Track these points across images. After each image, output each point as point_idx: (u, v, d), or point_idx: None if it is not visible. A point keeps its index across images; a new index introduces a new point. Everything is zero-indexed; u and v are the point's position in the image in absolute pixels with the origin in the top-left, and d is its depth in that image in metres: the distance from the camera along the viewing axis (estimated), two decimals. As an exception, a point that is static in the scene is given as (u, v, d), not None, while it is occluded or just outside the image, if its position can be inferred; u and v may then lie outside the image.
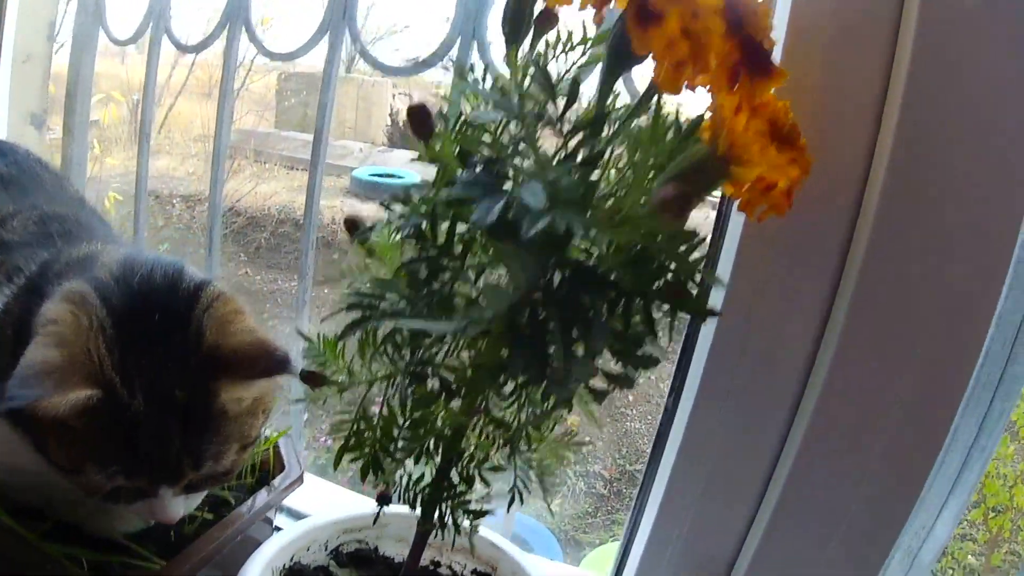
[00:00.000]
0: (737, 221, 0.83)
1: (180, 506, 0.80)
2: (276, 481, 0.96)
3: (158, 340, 0.76)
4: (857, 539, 0.88)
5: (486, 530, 0.90)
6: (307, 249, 1.36)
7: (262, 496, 0.94)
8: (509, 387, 0.63)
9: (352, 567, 0.92)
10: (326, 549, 0.92)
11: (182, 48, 1.58)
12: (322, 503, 1.15)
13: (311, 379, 0.67)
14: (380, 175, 6.02)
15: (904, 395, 0.80)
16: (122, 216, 4.92)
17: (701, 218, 0.77)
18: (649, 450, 1.02)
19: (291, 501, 1.09)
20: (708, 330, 0.87)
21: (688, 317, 0.86)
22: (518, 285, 0.51)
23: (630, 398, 4.22)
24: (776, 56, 0.74)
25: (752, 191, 0.50)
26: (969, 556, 3.29)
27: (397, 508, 0.90)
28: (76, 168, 1.75)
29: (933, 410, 0.81)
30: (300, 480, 0.98)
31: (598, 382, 0.60)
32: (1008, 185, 0.73)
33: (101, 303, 0.75)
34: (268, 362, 0.77)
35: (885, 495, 0.85)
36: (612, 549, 1.22)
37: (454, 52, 1.19)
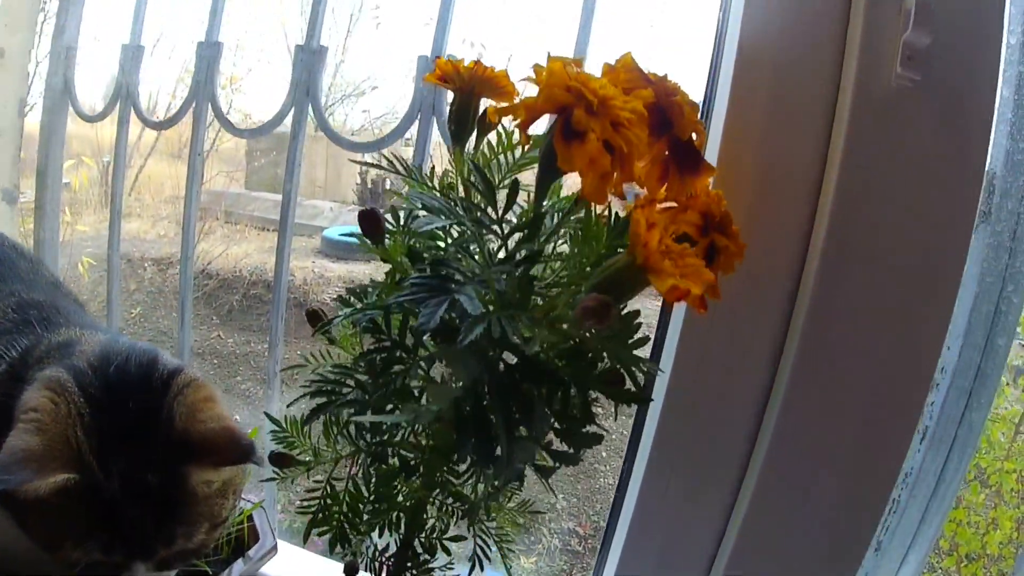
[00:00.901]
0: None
1: None
2: (251, 552, 1.00)
3: (132, 426, 0.79)
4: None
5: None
6: (277, 324, 1.40)
7: (238, 566, 0.97)
8: (464, 465, 0.67)
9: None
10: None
11: (150, 125, 1.63)
12: (295, 570, 1.17)
13: (279, 461, 0.72)
14: (351, 234, 5.98)
15: (852, 441, 0.85)
16: (93, 281, 4.91)
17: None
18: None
19: (266, 568, 1.12)
20: (656, 407, 0.90)
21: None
22: (462, 381, 0.55)
23: (603, 454, 4.22)
24: (714, 144, 0.80)
25: (670, 297, 0.53)
26: None
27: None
28: (48, 248, 1.78)
29: (878, 463, 0.86)
30: (274, 550, 1.02)
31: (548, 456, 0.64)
32: (941, 256, 0.79)
33: (79, 391, 0.79)
34: (235, 451, 0.80)
35: (837, 543, 0.89)
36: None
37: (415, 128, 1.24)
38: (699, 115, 0.62)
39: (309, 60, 1.32)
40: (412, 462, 0.67)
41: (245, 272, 5.72)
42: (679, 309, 0.87)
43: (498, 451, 0.55)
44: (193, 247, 1.58)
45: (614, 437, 4.24)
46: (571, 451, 0.62)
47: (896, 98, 0.76)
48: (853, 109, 0.77)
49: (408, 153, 0.66)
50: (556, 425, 0.60)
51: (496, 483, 0.65)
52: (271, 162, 7.22)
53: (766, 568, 0.90)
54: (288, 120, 1.39)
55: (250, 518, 1.05)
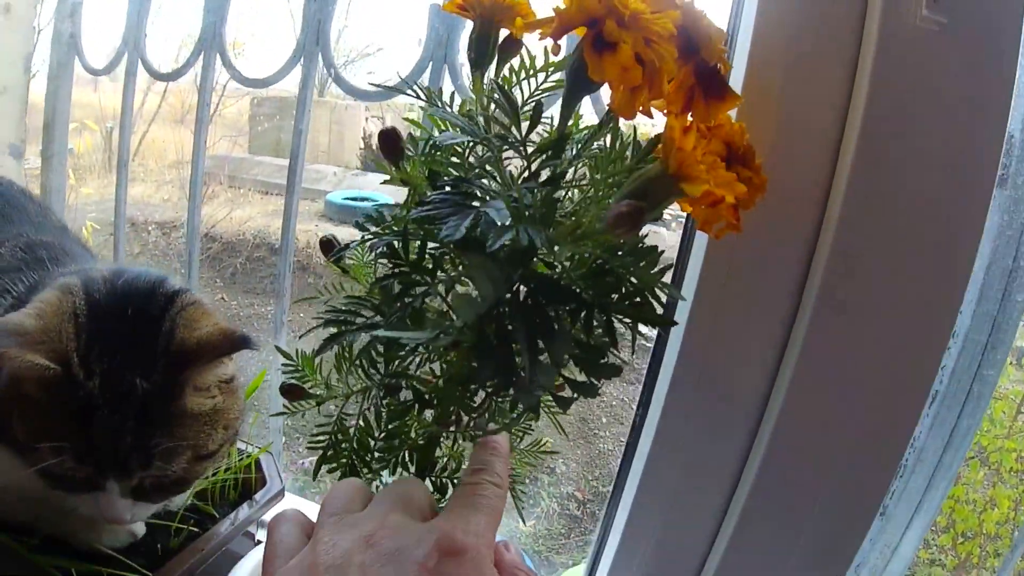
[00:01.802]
0: (701, 242, 0.85)
1: (127, 509, 0.82)
2: (258, 496, 0.99)
3: (129, 335, 0.79)
4: (818, 553, 0.90)
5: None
6: (284, 271, 1.39)
7: (244, 510, 0.97)
8: (479, 397, 0.67)
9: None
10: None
11: (157, 76, 1.61)
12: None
13: (290, 392, 0.71)
14: (354, 198, 6.01)
15: (863, 411, 0.84)
16: (98, 245, 4.91)
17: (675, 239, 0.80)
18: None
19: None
20: (673, 348, 0.89)
21: (653, 332, 0.90)
22: (486, 295, 0.54)
23: (603, 420, 4.23)
24: (738, 81, 0.79)
25: (701, 206, 0.53)
26: None
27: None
28: (55, 198, 1.78)
29: (892, 424, 0.84)
30: (281, 494, 1.01)
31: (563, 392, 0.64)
32: (966, 202, 0.77)
33: (84, 294, 0.80)
34: (229, 342, 0.81)
35: (845, 508, 0.88)
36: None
37: (427, 76, 1.22)
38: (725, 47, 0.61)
39: (319, 8, 1.31)
40: (426, 395, 0.66)
41: (248, 235, 5.74)
42: (696, 257, 0.86)
43: (520, 373, 0.54)
44: (199, 212, 1.58)
45: (613, 403, 4.26)
46: (589, 382, 0.61)
47: (921, 40, 0.75)
48: (877, 52, 0.75)
49: (415, 115, 0.65)
50: (576, 352, 0.60)
51: (514, 414, 0.64)
52: (274, 127, 7.22)
53: (775, 535, 0.89)
54: (292, 83, 1.38)
55: (257, 463, 1.05)
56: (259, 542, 0.99)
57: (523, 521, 0.75)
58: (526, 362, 0.53)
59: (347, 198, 5.99)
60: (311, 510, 1.01)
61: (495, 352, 0.55)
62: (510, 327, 0.55)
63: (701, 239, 0.86)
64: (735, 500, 0.91)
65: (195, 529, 0.92)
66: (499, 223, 0.50)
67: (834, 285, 0.80)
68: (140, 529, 0.92)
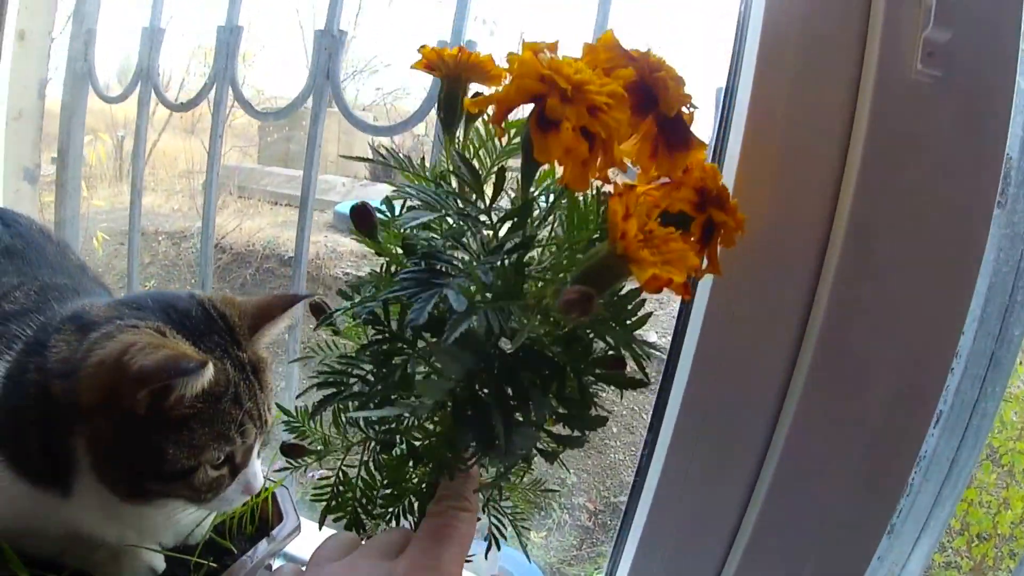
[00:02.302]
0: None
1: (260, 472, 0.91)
2: (275, 531, 1.02)
3: (205, 330, 0.86)
4: (829, 570, 0.93)
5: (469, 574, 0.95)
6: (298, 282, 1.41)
7: (263, 546, 1.00)
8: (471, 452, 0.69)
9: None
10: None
11: (171, 107, 1.65)
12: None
13: (292, 451, 0.74)
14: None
15: (871, 426, 0.86)
16: (108, 254, 4.93)
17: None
18: (632, 481, 1.07)
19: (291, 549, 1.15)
20: (685, 364, 0.92)
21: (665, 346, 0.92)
22: (451, 376, 0.56)
23: (613, 430, 4.23)
24: (738, 132, 0.81)
25: (649, 288, 0.52)
26: None
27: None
28: (69, 225, 1.80)
29: (899, 441, 0.88)
30: (298, 529, 1.04)
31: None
32: (960, 245, 0.81)
33: (146, 321, 0.83)
34: (286, 300, 0.92)
35: (855, 525, 0.91)
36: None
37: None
38: (688, 93, 0.62)
39: (330, 43, 1.33)
40: (419, 449, 0.69)
41: (258, 246, 5.74)
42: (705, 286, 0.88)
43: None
44: (212, 224, 1.61)
45: (624, 413, 4.27)
46: (575, 434, 0.63)
47: (916, 93, 0.78)
48: (873, 104, 0.78)
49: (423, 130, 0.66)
50: (559, 410, 0.62)
51: (502, 467, 0.66)
52: (283, 137, 7.23)
53: (791, 525, 0.92)
54: (305, 100, 1.41)
55: (273, 497, 1.07)
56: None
57: (528, 558, 0.76)
58: (500, 430, 0.56)
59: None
60: (324, 535, 1.03)
61: (472, 420, 0.58)
62: (486, 394, 0.58)
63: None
64: (747, 515, 0.94)
65: (214, 564, 0.95)
66: (457, 308, 0.52)
67: (840, 307, 0.82)
68: (160, 564, 0.95)
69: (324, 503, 0.74)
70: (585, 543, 3.68)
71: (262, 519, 1.06)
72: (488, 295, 0.57)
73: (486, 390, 0.58)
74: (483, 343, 0.58)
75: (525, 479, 0.80)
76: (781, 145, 0.81)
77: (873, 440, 0.87)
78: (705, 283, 0.88)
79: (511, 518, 0.79)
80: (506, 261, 0.58)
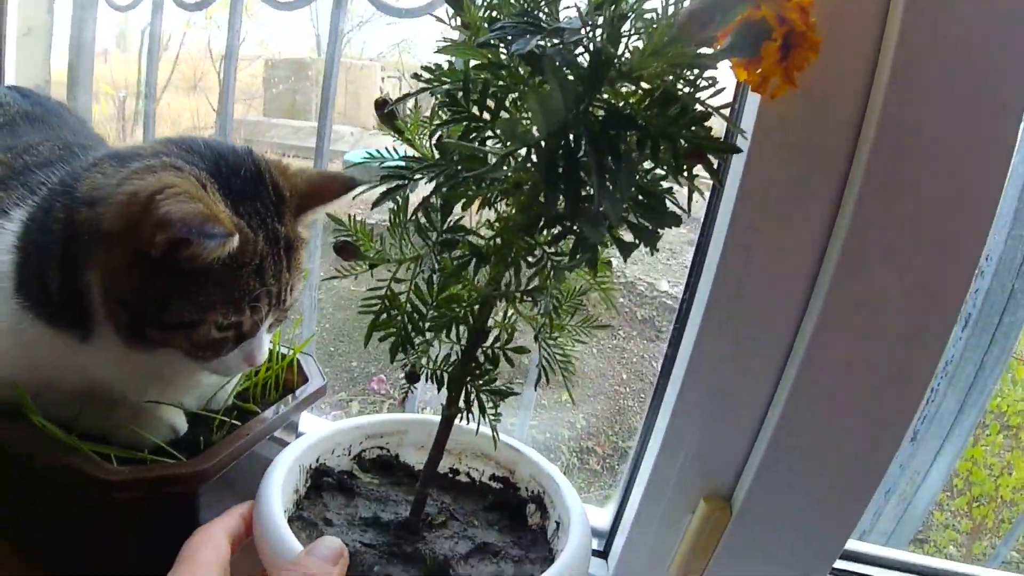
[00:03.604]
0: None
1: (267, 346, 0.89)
2: (299, 391, 1.00)
3: (251, 191, 0.82)
4: (851, 465, 0.90)
5: (505, 436, 0.93)
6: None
7: (288, 402, 0.97)
8: (535, 256, 0.66)
9: (374, 472, 0.95)
10: (350, 454, 0.95)
11: (185, 6, 1.62)
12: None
13: (344, 250, 0.70)
14: (372, 157, 5.91)
15: (898, 323, 0.83)
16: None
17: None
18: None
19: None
20: (716, 247, 0.89)
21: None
22: (556, 107, 0.52)
23: (624, 376, 4.23)
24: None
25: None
26: (950, 546, 3.29)
27: (416, 416, 0.93)
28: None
29: (928, 333, 0.83)
30: (323, 391, 1.01)
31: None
32: (995, 120, 0.75)
33: (193, 167, 0.80)
34: (343, 183, 0.89)
35: (879, 421, 0.88)
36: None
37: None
38: None
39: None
40: (484, 249, 0.65)
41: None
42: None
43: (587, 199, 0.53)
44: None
45: (634, 360, 4.25)
46: (650, 228, 0.60)
47: None
48: None
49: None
50: (637, 199, 0.59)
51: (573, 254, 0.62)
52: (289, 89, 7.18)
53: (818, 417, 0.89)
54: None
55: (298, 364, 1.04)
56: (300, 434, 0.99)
57: (573, 401, 0.74)
58: (595, 184, 0.52)
59: (365, 157, 5.94)
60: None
61: (564, 178, 0.54)
62: (579, 154, 0.54)
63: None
64: (775, 400, 0.91)
65: (236, 423, 0.91)
66: (572, 28, 0.50)
67: (879, 169, 0.78)
68: (182, 425, 0.91)
69: (372, 317, 0.71)
70: (593, 486, 3.67)
71: (287, 387, 1.04)
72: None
73: (580, 149, 0.55)
74: (587, 80, 0.54)
75: (575, 317, 0.77)
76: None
77: (898, 336, 0.83)
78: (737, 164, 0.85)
79: (560, 360, 0.76)
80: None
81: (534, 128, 0.54)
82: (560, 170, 0.54)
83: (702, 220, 0.95)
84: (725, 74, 0.59)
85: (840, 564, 1.09)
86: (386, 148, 0.68)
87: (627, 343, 4.36)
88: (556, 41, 0.52)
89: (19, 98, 1.10)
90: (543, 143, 0.54)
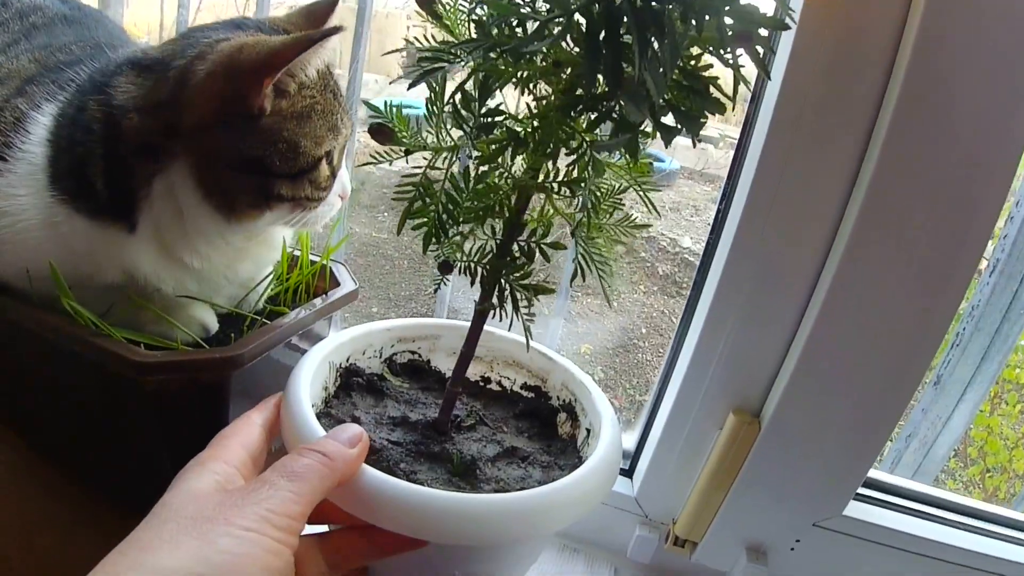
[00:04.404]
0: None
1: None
2: (331, 293, 1.00)
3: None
4: (876, 389, 0.91)
5: (538, 344, 0.93)
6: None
7: (319, 301, 0.97)
8: (575, 143, 0.65)
9: (405, 376, 0.95)
10: (380, 356, 0.95)
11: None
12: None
13: (380, 133, 0.69)
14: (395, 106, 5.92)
15: (924, 257, 0.83)
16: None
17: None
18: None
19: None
20: (756, 146, 0.88)
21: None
22: None
23: (643, 330, 4.23)
24: None
25: None
26: None
27: (449, 321, 0.93)
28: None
29: (952, 270, 0.83)
30: (355, 295, 1.01)
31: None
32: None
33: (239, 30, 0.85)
34: (325, 5, 0.93)
35: (903, 352, 0.88)
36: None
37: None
38: None
39: None
40: (521, 134, 0.65)
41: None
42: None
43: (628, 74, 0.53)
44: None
45: (654, 315, 4.25)
46: (694, 115, 0.59)
47: None
48: None
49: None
50: (680, 82, 0.58)
51: (615, 133, 0.61)
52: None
53: (833, 373, 0.90)
54: None
55: (330, 271, 1.04)
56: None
57: (609, 303, 0.74)
58: (636, 55, 0.51)
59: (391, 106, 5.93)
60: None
61: (606, 48, 0.53)
62: (621, 26, 0.53)
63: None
64: (807, 315, 0.91)
65: (267, 321, 0.91)
66: None
67: (900, 132, 0.79)
68: (213, 323, 0.92)
69: (405, 205, 0.70)
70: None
71: (317, 293, 1.03)
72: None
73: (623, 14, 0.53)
74: None
75: (613, 216, 0.76)
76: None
77: (917, 285, 0.84)
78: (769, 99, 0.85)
79: (597, 256, 0.75)
80: None
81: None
82: (602, 40, 0.53)
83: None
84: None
85: (864, 490, 1.09)
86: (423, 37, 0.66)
87: (648, 298, 4.36)
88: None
89: (58, 2, 1.10)
90: (585, 10, 0.53)
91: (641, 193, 0.74)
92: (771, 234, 0.88)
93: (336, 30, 0.77)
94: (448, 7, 0.68)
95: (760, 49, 0.56)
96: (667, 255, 4.47)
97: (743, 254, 0.91)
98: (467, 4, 0.65)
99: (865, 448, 0.94)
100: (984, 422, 2.95)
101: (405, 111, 0.69)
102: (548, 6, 0.54)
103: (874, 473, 1.11)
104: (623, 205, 0.75)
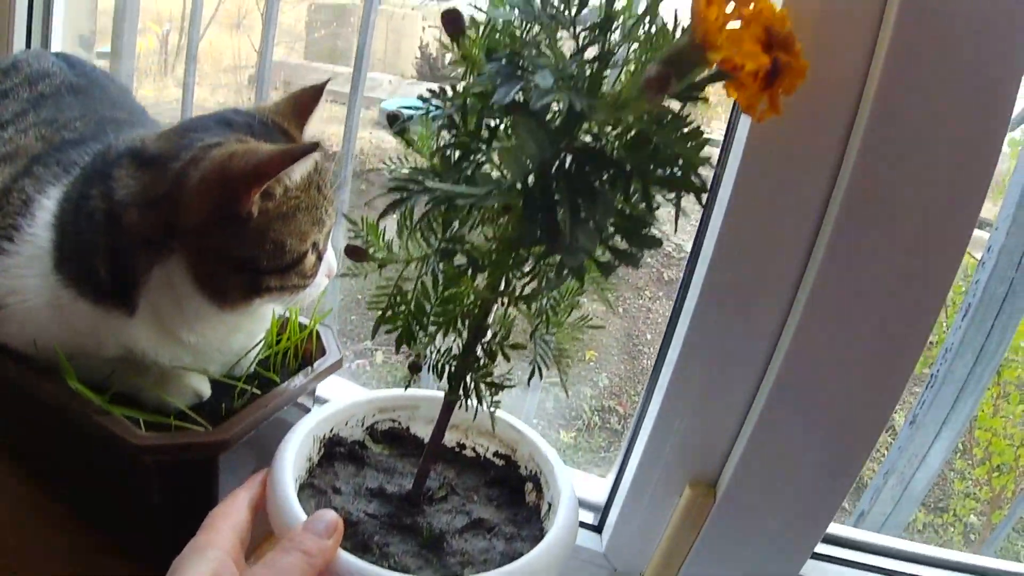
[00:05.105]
0: (741, 136, 0.88)
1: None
2: (317, 364, 1.05)
3: (268, 135, 0.94)
4: (830, 458, 0.96)
5: (508, 415, 0.99)
6: (346, 175, 1.44)
7: (306, 373, 1.03)
8: (529, 265, 0.71)
9: (385, 443, 1.01)
10: (362, 425, 1.01)
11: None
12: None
13: (354, 253, 0.76)
14: (409, 107, 5.89)
15: (879, 325, 0.88)
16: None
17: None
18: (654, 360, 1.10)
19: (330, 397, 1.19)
20: (711, 235, 0.93)
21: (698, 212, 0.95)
22: (531, 156, 0.58)
23: (647, 336, 4.26)
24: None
25: (724, 66, 0.57)
26: (972, 515, 3.31)
27: (428, 392, 0.99)
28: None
29: (913, 318, 0.87)
30: (340, 364, 1.07)
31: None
32: (988, 116, 0.79)
33: (233, 132, 0.91)
34: (315, 89, 1.02)
35: (858, 417, 0.93)
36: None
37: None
38: None
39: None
40: (479, 260, 0.71)
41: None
42: (736, 150, 0.89)
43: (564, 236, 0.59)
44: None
45: (659, 320, 4.29)
46: (631, 251, 0.65)
47: None
48: None
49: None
50: (619, 224, 0.64)
51: (560, 277, 0.67)
52: (331, 33, 7.18)
53: (804, 397, 0.94)
54: None
55: (317, 335, 1.10)
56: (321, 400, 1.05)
57: (567, 394, 0.78)
58: (567, 224, 0.58)
59: (402, 107, 5.92)
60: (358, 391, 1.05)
61: (541, 214, 0.59)
62: (555, 191, 0.59)
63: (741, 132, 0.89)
64: (764, 383, 0.96)
65: (257, 392, 0.98)
66: (543, 87, 0.55)
67: (863, 185, 0.82)
68: (206, 390, 0.98)
69: (379, 312, 0.76)
70: (613, 445, 3.73)
71: (305, 356, 1.10)
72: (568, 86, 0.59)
73: (556, 188, 0.60)
74: (561, 129, 0.60)
75: (572, 315, 0.82)
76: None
77: (882, 328, 0.88)
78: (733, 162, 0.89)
79: (555, 352, 0.81)
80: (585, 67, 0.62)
81: (522, 161, 0.59)
82: (538, 206, 0.59)
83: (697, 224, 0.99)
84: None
85: (821, 548, 1.14)
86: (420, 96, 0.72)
87: (653, 304, 4.40)
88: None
89: (66, 67, 1.16)
90: (522, 179, 0.59)
91: (600, 295, 0.80)
92: (727, 315, 0.94)
93: (316, 146, 0.82)
94: (419, 134, 0.74)
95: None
96: (673, 260, 4.50)
97: (700, 335, 0.96)
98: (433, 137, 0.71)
99: (820, 514, 0.99)
100: (988, 423, 2.98)
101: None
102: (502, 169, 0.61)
103: (834, 528, 1.17)
104: (580, 305, 0.81)
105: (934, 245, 0.83)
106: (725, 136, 0.94)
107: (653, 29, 0.63)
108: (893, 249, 0.84)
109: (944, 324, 2.36)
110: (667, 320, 1.03)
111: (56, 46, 1.72)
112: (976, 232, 0.85)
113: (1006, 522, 2.14)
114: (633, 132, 0.61)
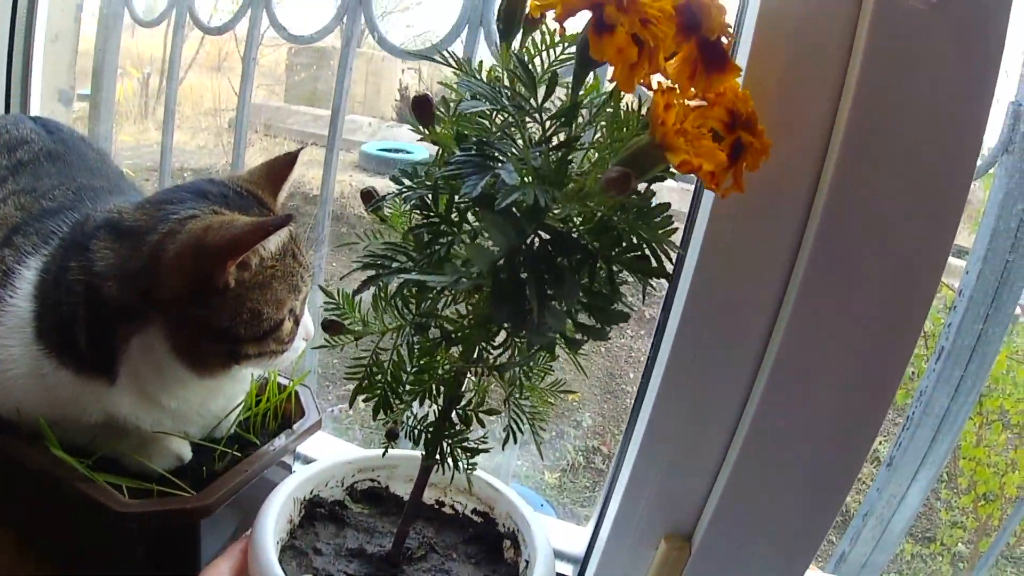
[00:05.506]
0: (707, 202, 0.91)
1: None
2: (296, 425, 1.08)
3: (244, 204, 0.97)
4: (802, 511, 0.97)
5: (485, 474, 1.00)
6: (323, 220, 1.46)
7: (284, 438, 1.05)
8: (501, 337, 0.73)
9: (365, 503, 1.03)
10: (342, 485, 1.02)
11: (205, 30, 1.68)
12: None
13: (331, 327, 0.78)
14: (389, 149, 5.97)
15: (854, 358, 0.89)
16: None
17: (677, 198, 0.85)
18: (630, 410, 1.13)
19: (309, 452, 1.21)
20: (680, 301, 0.95)
21: (665, 285, 0.96)
22: (499, 246, 0.61)
23: (630, 375, 4.28)
24: (745, 48, 0.84)
25: (682, 169, 0.59)
26: (959, 544, 3.32)
27: (406, 452, 1.01)
28: (103, 142, 1.84)
29: (883, 368, 0.89)
30: (319, 425, 1.09)
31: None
32: (955, 155, 0.81)
33: (208, 204, 0.93)
34: (289, 157, 1.09)
35: (828, 472, 0.94)
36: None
37: (465, 34, 1.29)
38: (728, 22, 0.65)
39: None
40: (452, 334, 0.73)
41: (283, 185, 5.76)
42: (703, 214, 0.91)
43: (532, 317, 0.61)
44: (243, 159, 1.65)
45: (641, 360, 4.31)
46: (599, 326, 0.67)
47: (911, 21, 0.79)
48: (870, 32, 0.79)
49: (448, 72, 0.71)
50: (586, 301, 0.66)
51: (531, 352, 0.70)
52: (311, 76, 7.24)
53: (776, 450, 0.95)
54: (332, 34, 1.45)
55: (296, 396, 1.12)
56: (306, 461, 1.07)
57: (541, 456, 0.80)
58: (535, 307, 0.60)
59: (382, 149, 5.94)
60: (345, 446, 1.08)
61: (509, 297, 0.62)
62: (523, 274, 0.62)
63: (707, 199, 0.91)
64: (735, 439, 0.97)
65: (238, 454, 0.99)
66: (509, 183, 0.58)
67: (827, 244, 0.85)
68: (187, 453, 1.00)
69: (356, 383, 0.78)
70: (598, 485, 3.73)
71: (285, 416, 1.12)
72: (535, 179, 0.62)
73: (523, 272, 0.62)
74: (527, 218, 0.62)
75: (545, 380, 0.84)
76: (782, 77, 0.83)
77: (856, 370, 0.89)
78: (701, 223, 0.92)
79: (529, 417, 0.83)
80: (552, 156, 0.65)
81: (490, 254, 0.61)
82: (507, 288, 0.61)
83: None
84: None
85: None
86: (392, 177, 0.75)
87: (635, 342, 4.42)
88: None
89: (44, 134, 1.17)
90: (490, 268, 0.62)
91: (573, 361, 0.82)
92: (696, 375, 0.96)
93: (290, 218, 0.85)
94: (392, 209, 0.76)
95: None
96: (655, 299, 4.52)
97: (673, 386, 0.98)
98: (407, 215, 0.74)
99: (795, 565, 1.00)
100: (972, 453, 2.99)
101: (397, 155, 0.76)
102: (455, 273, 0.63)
103: (812, 575, 1.18)
104: (552, 371, 0.83)
105: (901, 294, 0.86)
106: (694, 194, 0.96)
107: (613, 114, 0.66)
108: (862, 300, 0.86)
109: (912, 370, 2.38)
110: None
111: (36, 102, 1.74)
112: (953, 260, 0.87)
113: (992, 549, 2.15)
114: (598, 217, 0.63)
